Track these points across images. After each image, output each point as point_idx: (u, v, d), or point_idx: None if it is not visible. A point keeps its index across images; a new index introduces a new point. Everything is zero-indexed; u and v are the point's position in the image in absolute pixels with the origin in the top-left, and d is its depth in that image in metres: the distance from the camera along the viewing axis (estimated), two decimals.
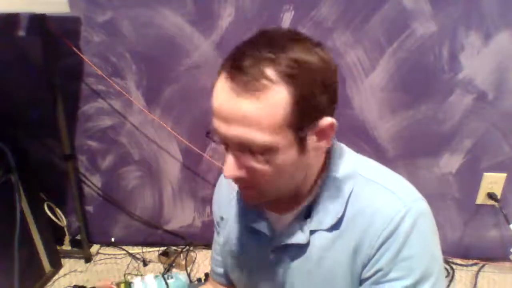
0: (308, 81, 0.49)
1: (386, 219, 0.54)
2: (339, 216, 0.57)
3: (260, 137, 0.49)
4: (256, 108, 0.48)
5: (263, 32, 0.52)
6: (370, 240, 0.54)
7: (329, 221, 0.58)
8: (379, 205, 0.55)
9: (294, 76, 0.48)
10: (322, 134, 0.53)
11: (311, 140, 0.52)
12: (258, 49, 0.48)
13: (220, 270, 0.82)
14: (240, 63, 0.48)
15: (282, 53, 0.48)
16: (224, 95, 0.49)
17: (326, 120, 0.51)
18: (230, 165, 0.53)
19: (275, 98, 0.47)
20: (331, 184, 0.59)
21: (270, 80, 0.47)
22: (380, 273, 0.54)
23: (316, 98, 0.49)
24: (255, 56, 0.48)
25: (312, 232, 0.59)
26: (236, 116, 0.49)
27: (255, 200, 0.60)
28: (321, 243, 0.59)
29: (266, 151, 0.50)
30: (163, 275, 0.99)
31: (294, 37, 0.51)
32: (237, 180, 0.56)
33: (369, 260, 0.55)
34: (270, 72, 0.47)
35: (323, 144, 0.54)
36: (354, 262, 0.56)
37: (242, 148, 0.51)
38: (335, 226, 0.58)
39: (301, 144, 0.51)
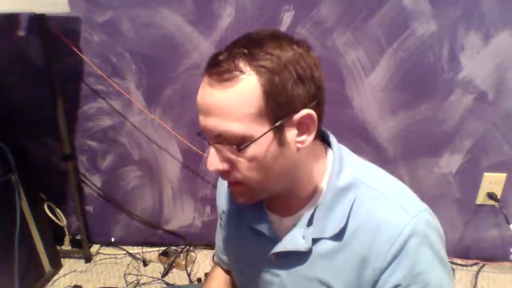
0: (280, 72, 0.49)
1: (394, 232, 0.53)
2: (341, 225, 0.56)
3: (235, 126, 0.50)
4: (228, 98, 0.49)
5: (246, 34, 0.54)
6: (378, 254, 0.53)
7: (331, 230, 0.57)
8: (385, 217, 0.54)
9: (265, 67, 0.49)
10: (302, 126, 0.53)
11: (291, 133, 0.53)
12: (236, 46, 0.51)
13: (225, 257, 0.82)
14: (216, 58, 0.51)
15: (256, 48, 0.50)
16: (202, 89, 0.52)
17: (303, 112, 0.52)
18: (212, 158, 0.54)
19: (246, 88, 0.49)
20: (333, 193, 0.58)
21: (241, 71, 0.49)
22: None
23: (289, 90, 0.50)
24: (231, 51, 0.51)
25: (314, 240, 0.58)
26: (211, 106, 0.51)
27: (244, 197, 0.58)
28: (324, 253, 0.58)
29: (243, 142, 0.51)
30: None
31: (273, 35, 0.52)
32: (222, 174, 0.56)
33: (380, 274, 0.54)
34: (242, 64, 0.49)
35: (306, 138, 0.54)
36: (361, 275, 0.55)
37: (221, 140, 0.52)
38: (338, 236, 0.57)
39: (279, 136, 0.52)
